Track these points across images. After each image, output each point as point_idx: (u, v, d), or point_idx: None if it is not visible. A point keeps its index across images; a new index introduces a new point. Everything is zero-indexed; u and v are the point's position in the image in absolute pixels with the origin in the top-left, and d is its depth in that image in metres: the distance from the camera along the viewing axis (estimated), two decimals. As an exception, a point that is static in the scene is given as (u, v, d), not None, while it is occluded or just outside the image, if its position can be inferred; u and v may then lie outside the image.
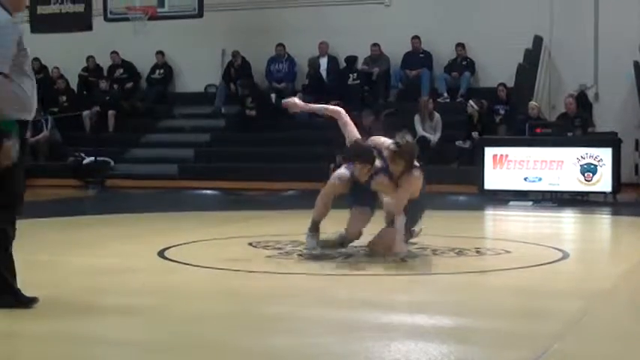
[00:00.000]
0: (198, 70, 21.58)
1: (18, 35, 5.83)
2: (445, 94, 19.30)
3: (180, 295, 6.67)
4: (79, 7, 20.45)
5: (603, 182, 15.46)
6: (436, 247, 9.10)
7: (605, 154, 15.52)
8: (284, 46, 20.70)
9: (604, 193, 15.56)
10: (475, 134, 17.24)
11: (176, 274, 7.67)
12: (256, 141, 19.32)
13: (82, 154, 19.66)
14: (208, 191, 17.34)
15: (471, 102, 17.74)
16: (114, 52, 21.84)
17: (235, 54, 21.00)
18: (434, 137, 17.66)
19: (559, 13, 18.79)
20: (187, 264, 8.07)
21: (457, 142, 17.60)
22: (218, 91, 21.13)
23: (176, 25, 20.33)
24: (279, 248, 9.02)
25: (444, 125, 17.78)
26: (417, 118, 17.79)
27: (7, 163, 5.70)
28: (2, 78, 5.71)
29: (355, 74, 19.83)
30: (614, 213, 13.95)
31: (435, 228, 11.25)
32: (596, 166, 15.50)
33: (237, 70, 21.02)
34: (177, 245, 9.25)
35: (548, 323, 5.68)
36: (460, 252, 8.83)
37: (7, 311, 5.78)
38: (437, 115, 17.85)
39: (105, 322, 5.78)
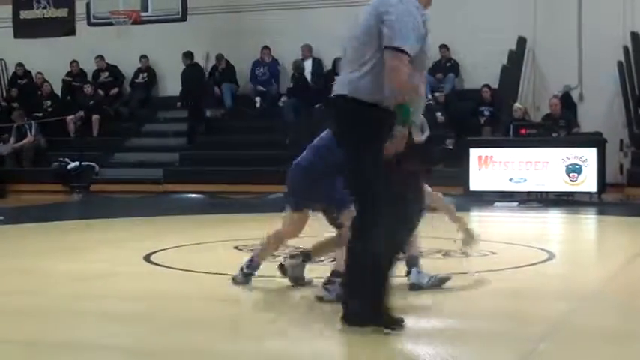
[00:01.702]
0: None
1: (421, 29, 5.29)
2: (429, 96, 19.30)
3: (166, 299, 6.65)
4: (63, 12, 20.41)
5: (588, 182, 15.52)
6: (422, 248, 9.09)
7: (590, 155, 15.57)
8: (269, 49, 20.69)
9: (589, 193, 15.61)
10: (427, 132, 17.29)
11: (163, 279, 7.65)
12: (242, 144, 19.29)
13: (67, 159, 19.60)
14: (193, 195, 17.31)
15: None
16: (99, 57, 21.79)
17: (219, 57, 20.98)
18: (421, 137, 17.62)
19: (542, 14, 18.84)
20: (174, 268, 8.05)
21: (446, 144, 17.56)
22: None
23: (160, 29, 20.31)
24: (266, 252, 8.98)
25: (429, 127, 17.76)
26: None
27: (394, 151, 5.21)
28: (406, 58, 5.18)
29: (340, 76, 19.81)
30: (600, 213, 14.00)
31: (422, 229, 11.27)
32: (580, 166, 15.56)
33: (221, 73, 21.00)
34: (164, 249, 9.23)
35: (535, 324, 5.69)
36: (446, 253, 8.84)
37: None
38: (421, 117, 17.80)
39: (91, 328, 5.76)
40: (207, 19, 20.85)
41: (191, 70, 20.62)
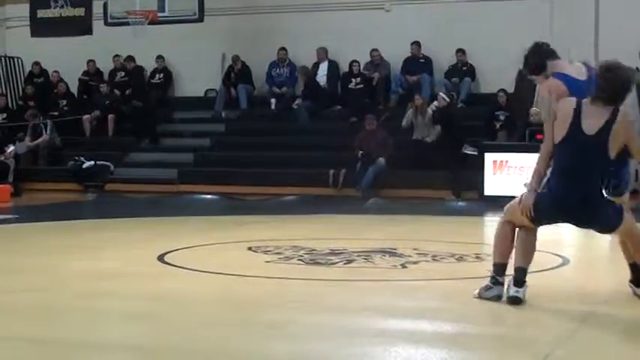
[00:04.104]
0: (198, 75, 21.57)
1: None
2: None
3: (180, 299, 6.65)
4: (80, 11, 20.45)
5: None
6: (436, 252, 9.09)
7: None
8: (286, 51, 20.69)
9: (604, 198, 15.52)
10: (438, 128, 17.37)
11: (176, 279, 7.65)
12: (256, 145, 19.30)
13: (82, 158, 19.64)
14: (208, 196, 17.33)
15: (441, 94, 17.80)
16: (117, 56, 21.84)
17: (235, 58, 20.99)
18: (430, 137, 17.61)
19: (559, 20, 18.76)
20: (187, 268, 8.05)
21: (464, 148, 17.54)
22: (218, 96, 21.12)
23: (176, 29, 20.33)
24: (279, 253, 9.00)
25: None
26: (410, 112, 17.85)
27: None
28: None
29: (358, 79, 19.84)
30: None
31: (436, 233, 11.26)
32: (596, 172, 15.48)
33: (237, 74, 21.02)
34: (177, 250, 9.24)
35: (549, 329, 5.66)
36: (460, 258, 8.81)
37: (4, 314, 5.76)
38: (429, 112, 17.79)
39: (105, 327, 5.76)
40: (223, 19, 20.86)
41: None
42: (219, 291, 7.08)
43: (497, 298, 6.36)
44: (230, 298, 6.78)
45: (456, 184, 16.83)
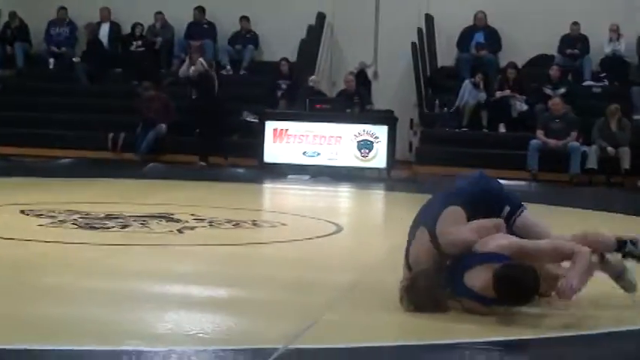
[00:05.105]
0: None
1: None
2: (228, 67, 19.30)
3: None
4: None
5: (379, 159, 15.91)
6: (214, 218, 9.12)
7: (381, 132, 15.97)
8: (66, 10, 20.12)
9: (379, 169, 16.01)
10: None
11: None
12: (34, 106, 18.69)
13: None
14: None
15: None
16: None
17: (12, 15, 20.24)
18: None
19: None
20: (-46, 231, 7.76)
21: (244, 116, 17.56)
22: (-7, 53, 20.32)
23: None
24: (53, 217, 8.79)
25: (227, 97, 17.71)
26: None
27: None
28: None
29: (140, 42, 19.53)
30: (388, 189, 14.37)
31: (214, 200, 11.31)
32: (372, 142, 15.93)
33: (13, 31, 20.27)
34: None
35: (320, 294, 5.80)
36: (237, 224, 8.88)
37: None
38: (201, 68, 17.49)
39: None
40: (0, -26, 20.07)
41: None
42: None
43: None
44: (1, 261, 6.59)
45: (205, 150, 16.73)
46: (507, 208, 5.50)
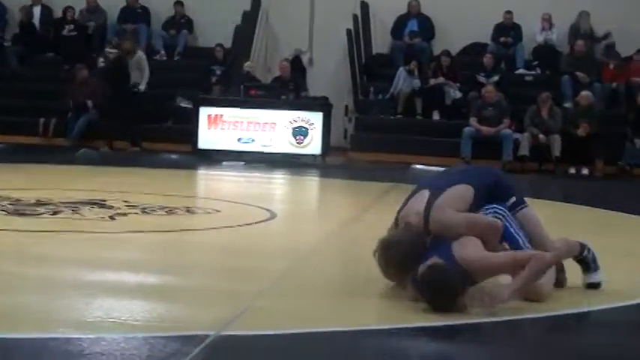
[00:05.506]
0: None
1: None
2: (162, 52, 19.13)
3: None
4: None
5: (314, 145, 15.93)
6: (146, 205, 9.04)
7: (316, 118, 15.98)
8: (-5, -8, 19.79)
9: (314, 155, 16.03)
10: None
11: None
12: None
13: None
14: None
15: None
16: None
17: (-61, -5, 19.85)
18: (142, 83, 17.23)
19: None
20: None
21: (178, 101, 17.45)
22: None
23: None
24: (-19, 203, 8.65)
25: (161, 83, 17.59)
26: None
27: None
28: None
29: (72, 25, 19.27)
30: (323, 175, 14.39)
31: (146, 186, 11.22)
32: (307, 129, 15.93)
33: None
34: None
35: (252, 281, 5.79)
36: (170, 211, 8.82)
37: None
38: (140, 55, 17.37)
39: None
40: None
41: None
42: None
43: None
44: None
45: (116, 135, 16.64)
46: (513, 199, 5.66)
